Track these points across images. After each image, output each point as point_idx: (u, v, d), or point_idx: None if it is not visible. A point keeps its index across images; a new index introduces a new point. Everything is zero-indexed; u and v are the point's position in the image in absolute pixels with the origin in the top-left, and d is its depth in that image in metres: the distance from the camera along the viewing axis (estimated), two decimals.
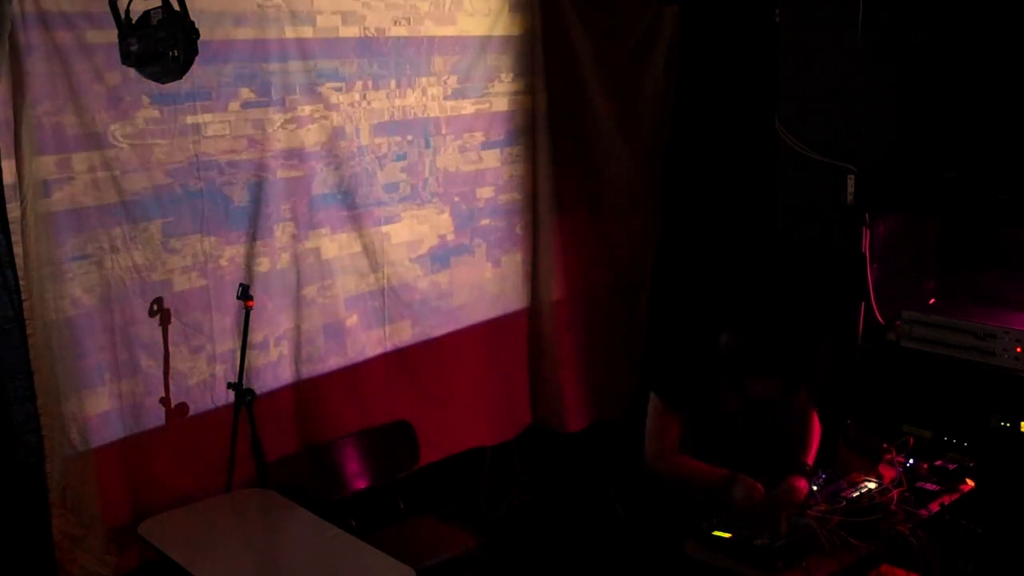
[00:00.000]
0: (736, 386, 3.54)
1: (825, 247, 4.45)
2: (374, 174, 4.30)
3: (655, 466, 3.55)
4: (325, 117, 4.10)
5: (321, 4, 4.01)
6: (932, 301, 4.52)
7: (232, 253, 3.93)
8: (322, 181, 4.14)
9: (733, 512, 3.35)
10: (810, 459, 3.63)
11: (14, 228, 3.36)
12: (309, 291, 4.16)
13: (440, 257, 4.61)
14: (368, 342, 4.39)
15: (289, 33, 3.94)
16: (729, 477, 3.39)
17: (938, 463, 3.58)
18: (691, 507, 3.43)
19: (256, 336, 3.97)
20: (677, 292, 5.07)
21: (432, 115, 4.47)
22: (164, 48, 3.02)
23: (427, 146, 4.48)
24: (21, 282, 3.40)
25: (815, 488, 3.40)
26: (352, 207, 4.25)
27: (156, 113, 3.64)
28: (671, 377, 3.63)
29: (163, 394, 3.79)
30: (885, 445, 3.60)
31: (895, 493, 3.34)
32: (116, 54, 3.14)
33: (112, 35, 3.13)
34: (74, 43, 3.41)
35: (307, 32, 3.99)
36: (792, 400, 3.72)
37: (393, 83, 4.30)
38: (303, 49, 3.99)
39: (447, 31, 4.44)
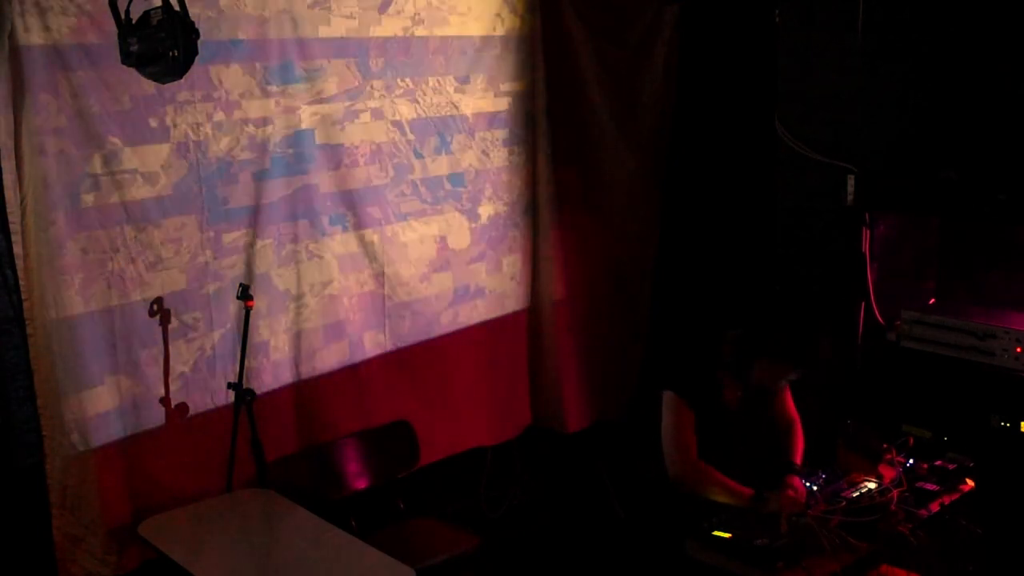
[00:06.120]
0: (740, 375, 3.55)
1: (825, 247, 4.45)
2: (374, 174, 4.30)
3: (682, 475, 3.50)
4: (325, 119, 4.10)
5: (321, 4, 4.01)
6: (932, 301, 4.52)
7: (233, 252, 3.92)
8: (322, 181, 4.14)
9: (735, 512, 3.35)
10: (798, 459, 3.65)
11: (14, 228, 3.36)
12: (309, 291, 4.16)
13: (440, 257, 4.60)
14: (368, 342, 4.39)
15: (290, 33, 3.94)
16: (758, 497, 3.37)
17: (938, 463, 3.59)
18: (692, 507, 3.44)
19: (256, 336, 3.97)
20: (678, 292, 5.07)
21: (432, 117, 4.46)
22: (164, 48, 3.02)
23: (427, 147, 4.48)
24: (21, 282, 3.40)
25: (815, 488, 3.41)
26: (352, 207, 4.25)
27: (156, 113, 3.64)
28: (684, 373, 3.63)
29: (163, 394, 3.79)
30: (885, 445, 3.61)
31: (895, 493, 3.35)
32: (116, 54, 3.14)
33: (112, 35, 3.13)
34: (74, 43, 3.40)
35: (308, 33, 3.99)
36: (783, 401, 3.75)
37: (392, 85, 4.30)
38: (304, 49, 3.99)
39: (447, 32, 4.44)
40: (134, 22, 3.08)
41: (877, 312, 4.38)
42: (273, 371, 4.09)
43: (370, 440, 4.33)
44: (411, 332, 4.53)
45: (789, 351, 3.49)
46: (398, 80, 4.32)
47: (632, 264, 5.13)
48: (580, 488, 4.89)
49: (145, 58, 3.07)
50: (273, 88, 3.94)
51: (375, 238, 4.33)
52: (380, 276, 4.39)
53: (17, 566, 3.49)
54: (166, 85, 3.49)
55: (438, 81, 4.46)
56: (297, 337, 4.15)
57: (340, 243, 4.24)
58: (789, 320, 3.55)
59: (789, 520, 3.22)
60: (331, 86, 4.10)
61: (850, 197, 4.28)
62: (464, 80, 4.55)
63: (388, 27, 4.24)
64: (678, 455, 3.52)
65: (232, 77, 3.81)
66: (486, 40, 4.59)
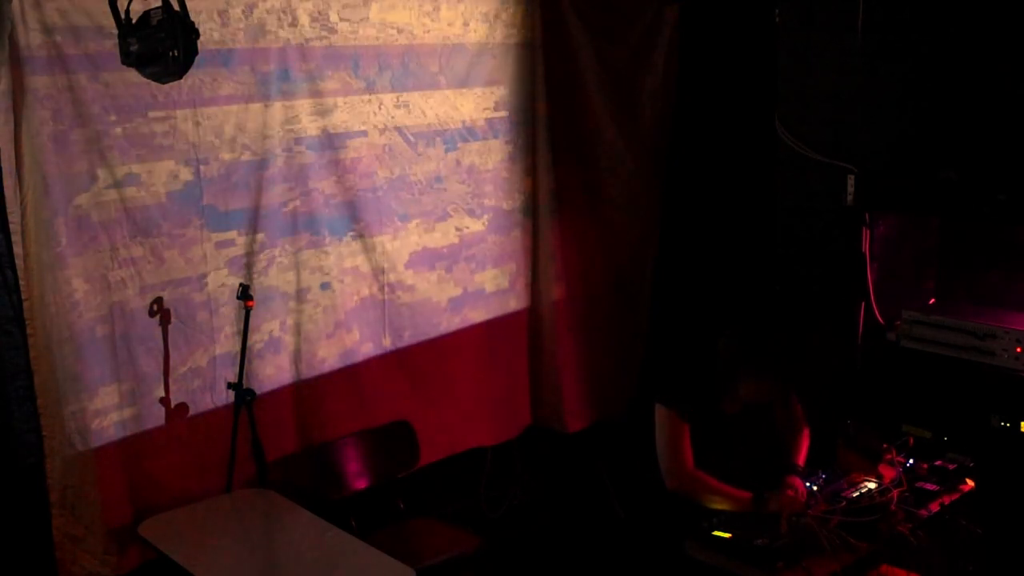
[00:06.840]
0: (730, 389, 3.54)
1: (825, 247, 4.46)
2: (374, 175, 4.30)
3: (679, 488, 3.50)
4: (325, 121, 4.10)
5: (321, 10, 4.01)
6: (932, 301, 4.52)
7: (232, 253, 3.92)
8: (323, 181, 4.14)
9: (735, 512, 3.35)
10: (800, 461, 3.64)
11: (14, 228, 3.36)
12: (310, 291, 4.16)
13: (440, 257, 4.61)
14: (368, 342, 4.39)
15: (290, 39, 3.94)
16: (758, 500, 3.37)
17: (938, 463, 3.59)
18: (691, 507, 3.43)
19: (256, 336, 3.97)
20: (677, 292, 5.07)
21: (431, 118, 4.46)
22: (164, 48, 3.02)
23: (427, 148, 4.48)
24: (21, 282, 3.40)
25: (815, 488, 3.41)
26: (352, 209, 4.24)
27: (156, 114, 3.64)
28: (677, 384, 3.61)
29: (163, 394, 3.79)
30: (885, 445, 3.61)
31: (895, 493, 3.35)
32: (116, 54, 3.14)
33: (113, 36, 3.13)
34: (74, 42, 3.40)
35: (308, 38, 3.98)
36: (784, 404, 3.74)
37: (392, 87, 4.30)
38: (304, 55, 3.99)
39: (447, 31, 4.44)
40: (134, 22, 3.08)
41: (877, 312, 4.38)
42: (273, 371, 4.09)
43: (370, 440, 4.33)
44: (411, 332, 4.53)
45: (774, 366, 3.47)
46: (398, 82, 4.32)
47: (632, 264, 5.13)
48: (580, 488, 4.89)
49: (145, 58, 3.07)
50: (274, 92, 3.93)
51: (375, 239, 4.33)
52: (380, 276, 4.39)
53: (17, 566, 3.49)
54: (167, 86, 3.49)
55: (438, 82, 4.46)
56: (297, 337, 4.15)
57: (340, 244, 4.23)
58: (776, 332, 3.53)
59: (789, 520, 3.21)
60: (331, 90, 4.09)
61: (850, 197, 4.28)
62: (464, 81, 4.54)
63: (387, 27, 4.24)
64: (673, 467, 3.51)
65: (233, 81, 3.81)
66: (486, 40, 4.59)
